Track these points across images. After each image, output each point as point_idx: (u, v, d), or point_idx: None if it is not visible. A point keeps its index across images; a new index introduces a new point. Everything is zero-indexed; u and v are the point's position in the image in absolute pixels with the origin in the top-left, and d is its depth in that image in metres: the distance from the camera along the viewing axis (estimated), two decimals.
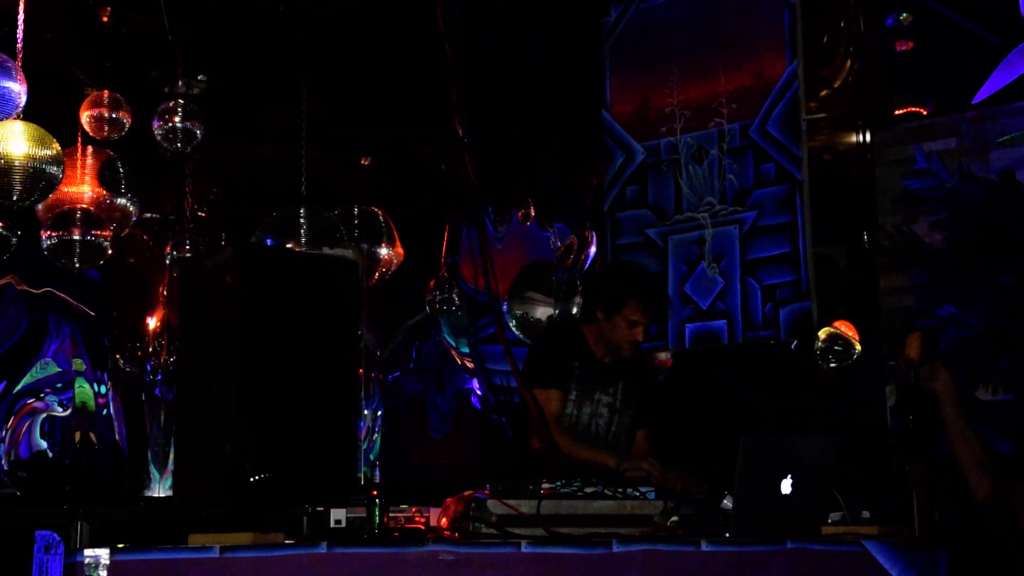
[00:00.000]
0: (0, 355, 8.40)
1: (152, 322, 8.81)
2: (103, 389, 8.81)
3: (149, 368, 8.80)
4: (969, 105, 5.89)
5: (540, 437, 3.94)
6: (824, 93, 6.13)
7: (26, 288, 8.44)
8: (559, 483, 3.36)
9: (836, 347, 5.53)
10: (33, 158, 4.65)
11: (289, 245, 6.47)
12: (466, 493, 3.14)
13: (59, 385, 8.65)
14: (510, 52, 6.60)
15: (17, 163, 4.62)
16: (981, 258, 4.90)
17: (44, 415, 8.56)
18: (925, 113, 6.47)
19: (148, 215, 7.98)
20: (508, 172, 7.78)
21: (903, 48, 6.57)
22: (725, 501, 3.54)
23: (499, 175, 7.25)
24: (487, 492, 3.10)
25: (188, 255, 7.43)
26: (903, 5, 6.43)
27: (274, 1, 6.12)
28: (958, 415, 3.42)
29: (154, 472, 8.71)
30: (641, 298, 4.17)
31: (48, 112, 5.23)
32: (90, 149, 6.53)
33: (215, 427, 4.31)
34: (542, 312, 7.53)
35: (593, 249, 7.60)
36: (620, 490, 3.26)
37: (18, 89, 4.65)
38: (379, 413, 9.53)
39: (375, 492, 3.08)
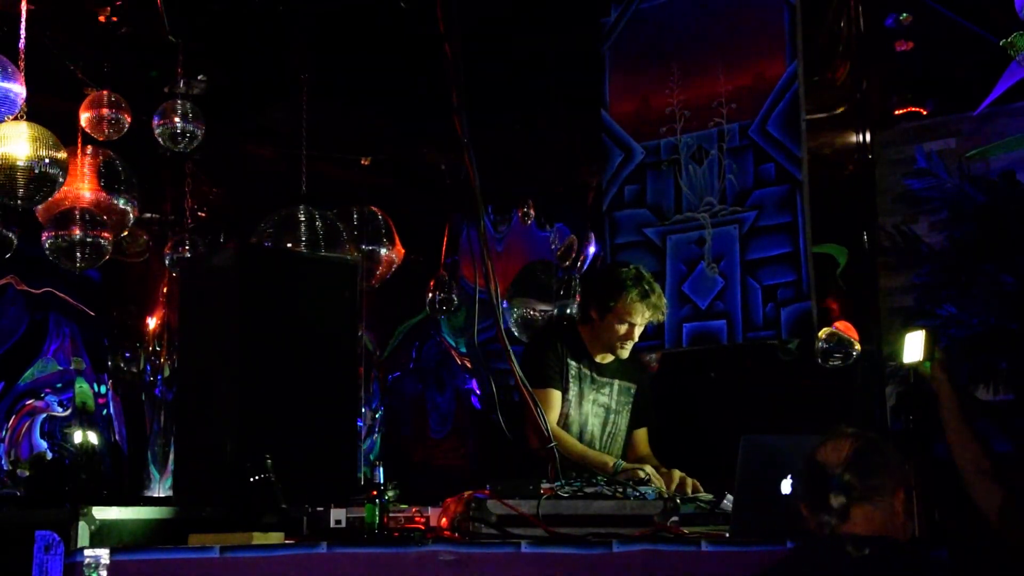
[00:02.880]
0: (0, 355, 8.40)
1: (152, 322, 8.81)
2: (103, 389, 8.81)
3: (149, 368, 8.80)
4: (969, 106, 5.88)
5: (538, 436, 3.93)
6: (824, 93, 6.13)
7: (26, 288, 8.45)
8: (559, 483, 3.36)
9: (836, 347, 5.53)
10: (37, 159, 4.65)
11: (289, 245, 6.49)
12: (466, 493, 3.13)
13: (59, 385, 8.65)
14: (510, 52, 6.60)
15: (21, 164, 4.62)
16: (981, 258, 4.90)
17: (44, 415, 8.57)
18: (925, 113, 6.47)
19: (148, 215, 7.99)
20: (508, 172, 7.78)
21: (903, 48, 6.56)
22: (725, 501, 3.55)
23: (499, 175, 7.26)
24: (487, 492, 3.10)
25: (188, 255, 7.43)
26: (903, 5, 6.43)
27: (274, 1, 6.12)
28: (957, 419, 3.42)
29: (154, 472, 8.71)
30: (633, 297, 4.16)
31: (48, 112, 5.23)
32: (90, 149, 6.54)
33: (215, 427, 4.32)
34: (541, 312, 7.54)
35: (592, 249, 7.60)
36: (620, 490, 3.26)
37: (18, 91, 4.65)
38: (379, 413, 9.53)
39: (375, 492, 3.08)
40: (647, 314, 4.20)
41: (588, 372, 4.28)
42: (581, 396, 4.26)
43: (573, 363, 4.25)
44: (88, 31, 6.44)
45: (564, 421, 4.19)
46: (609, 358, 4.31)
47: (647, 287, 4.19)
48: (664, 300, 4.31)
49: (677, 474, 3.97)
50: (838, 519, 2.41)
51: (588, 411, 4.28)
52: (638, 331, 4.24)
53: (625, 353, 4.27)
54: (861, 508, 2.41)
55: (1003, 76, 4.76)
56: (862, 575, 2.35)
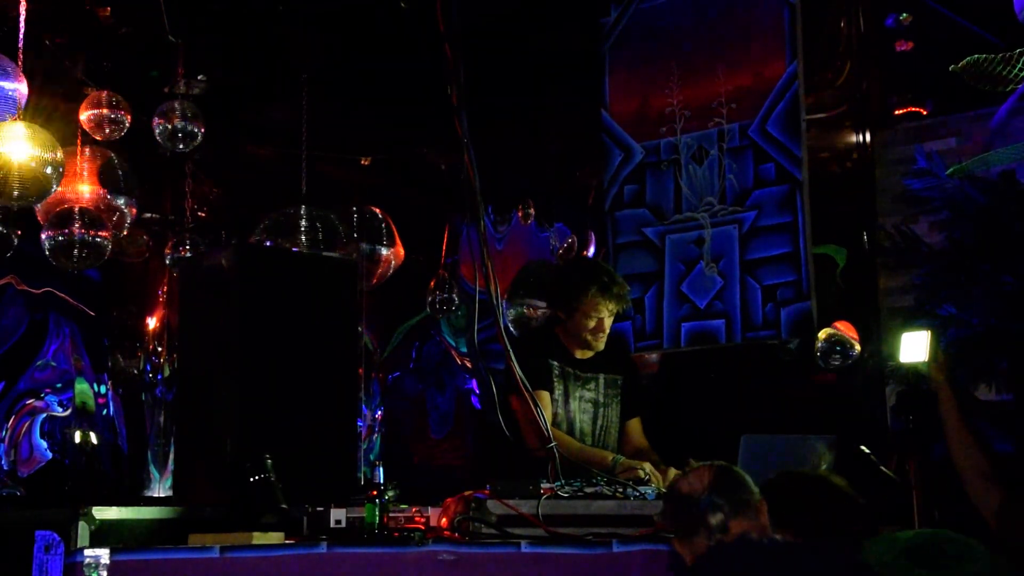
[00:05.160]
0: (0, 355, 8.40)
1: (152, 322, 8.81)
2: (103, 389, 8.80)
3: (149, 368, 8.79)
4: (969, 106, 5.88)
5: (537, 436, 3.93)
6: (824, 93, 6.13)
7: (26, 288, 8.44)
8: (559, 483, 3.36)
9: (836, 347, 5.52)
10: (33, 160, 4.65)
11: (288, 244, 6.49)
12: (466, 493, 3.13)
13: (59, 385, 8.64)
14: (510, 52, 6.60)
15: (16, 164, 4.62)
16: (981, 258, 4.90)
17: (44, 415, 8.56)
18: (925, 113, 6.47)
19: (148, 215, 7.98)
20: (508, 172, 7.78)
21: (903, 48, 6.56)
22: None
23: (499, 175, 7.26)
24: (487, 492, 3.10)
25: (188, 255, 7.42)
26: (903, 5, 6.43)
27: (274, 1, 6.12)
28: (956, 420, 3.42)
29: (154, 472, 8.70)
30: (594, 293, 4.16)
31: (48, 112, 5.23)
32: (89, 149, 6.53)
33: (215, 427, 4.32)
34: (541, 311, 7.54)
35: (592, 249, 7.60)
36: (620, 490, 3.26)
37: (17, 89, 4.65)
38: (379, 413, 9.53)
39: (375, 492, 3.07)
40: (611, 306, 4.21)
41: (570, 370, 4.29)
42: (567, 394, 4.27)
43: (555, 363, 4.26)
44: (88, 31, 6.44)
45: (553, 420, 4.19)
46: (590, 353, 4.32)
47: (606, 279, 4.20)
48: (627, 288, 4.31)
49: (673, 472, 3.96)
50: (720, 532, 2.63)
51: (575, 408, 4.28)
52: (608, 323, 4.25)
53: (600, 345, 4.27)
54: (735, 521, 2.63)
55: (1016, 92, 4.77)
56: (775, 568, 2.53)
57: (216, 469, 4.18)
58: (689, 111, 5.73)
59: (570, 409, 4.27)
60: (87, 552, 2.64)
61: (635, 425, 4.42)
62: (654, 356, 6.37)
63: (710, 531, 2.62)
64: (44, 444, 8.50)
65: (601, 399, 4.34)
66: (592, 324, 4.20)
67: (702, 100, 5.69)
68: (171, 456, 8.10)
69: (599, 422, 4.34)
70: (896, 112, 6.51)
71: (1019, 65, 4.32)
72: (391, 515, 3.12)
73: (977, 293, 4.85)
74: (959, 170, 4.96)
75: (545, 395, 4.18)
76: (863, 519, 2.93)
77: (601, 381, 4.35)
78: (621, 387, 4.39)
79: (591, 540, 2.99)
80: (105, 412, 8.77)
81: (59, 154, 4.82)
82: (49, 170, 4.72)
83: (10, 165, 4.62)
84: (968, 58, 4.47)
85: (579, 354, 4.31)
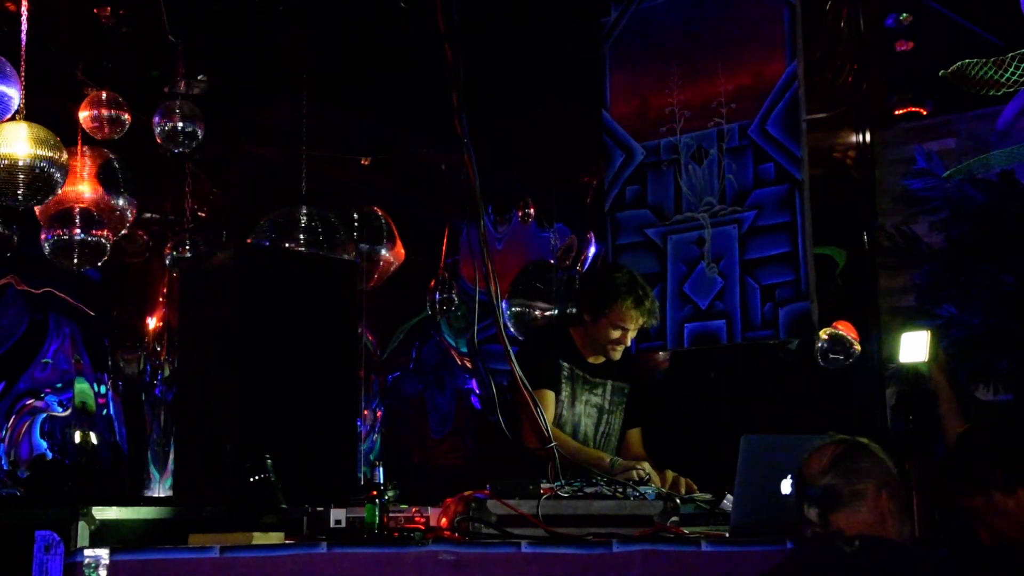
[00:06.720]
0: (0, 355, 8.40)
1: (152, 322, 8.81)
2: (103, 389, 8.81)
3: (149, 368, 8.80)
4: (968, 106, 5.88)
5: (537, 436, 3.93)
6: (824, 93, 6.13)
7: (26, 288, 8.44)
8: (559, 483, 3.36)
9: (836, 347, 5.52)
10: (37, 160, 4.65)
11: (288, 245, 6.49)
12: (466, 493, 3.13)
13: (59, 385, 8.64)
14: (510, 52, 6.60)
15: (21, 164, 4.62)
16: (981, 258, 4.90)
17: (44, 415, 8.56)
18: (925, 113, 6.47)
19: (148, 215, 7.99)
20: (508, 172, 7.78)
21: (903, 48, 6.57)
22: (725, 501, 3.55)
23: (499, 175, 7.26)
24: (487, 492, 3.10)
25: (188, 255, 7.43)
26: (903, 5, 6.43)
27: (274, 1, 6.12)
28: (956, 420, 3.42)
29: (154, 472, 8.70)
30: (628, 305, 4.15)
31: (48, 112, 5.23)
32: (89, 149, 6.53)
33: (215, 427, 4.32)
34: (541, 311, 7.54)
35: (592, 249, 7.60)
36: (620, 490, 3.26)
37: (12, 93, 4.66)
38: (379, 413, 9.53)
39: (375, 492, 3.07)
40: (640, 320, 4.20)
41: (580, 373, 4.28)
42: (574, 397, 4.26)
43: (565, 364, 4.25)
44: (88, 31, 6.44)
45: (557, 421, 4.19)
46: (601, 359, 4.31)
47: (641, 293, 4.18)
48: (657, 305, 4.30)
49: (670, 474, 3.97)
50: (820, 527, 2.43)
51: (581, 411, 4.28)
52: (631, 336, 4.23)
53: (617, 355, 4.26)
54: (843, 513, 2.42)
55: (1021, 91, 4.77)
56: (855, 573, 2.34)
57: (216, 469, 4.18)
58: (689, 111, 5.73)
59: (575, 412, 4.27)
60: (87, 552, 2.64)
61: (636, 435, 4.42)
62: (662, 355, 6.38)
63: (807, 523, 2.45)
64: (44, 444, 8.50)
65: (606, 405, 4.34)
66: (616, 335, 4.18)
67: (702, 100, 5.69)
68: (171, 456, 8.10)
69: (602, 428, 4.34)
70: (896, 112, 6.51)
71: (1011, 68, 4.33)
72: (391, 515, 3.12)
73: (977, 293, 4.86)
74: (959, 171, 4.97)
75: (550, 394, 4.17)
76: None
77: (608, 387, 4.35)
78: (627, 395, 4.39)
79: (591, 540, 2.99)
80: (105, 412, 8.77)
81: (64, 154, 4.82)
82: (54, 170, 4.73)
83: (16, 164, 4.63)
84: (957, 63, 4.47)
85: (591, 359, 4.30)
